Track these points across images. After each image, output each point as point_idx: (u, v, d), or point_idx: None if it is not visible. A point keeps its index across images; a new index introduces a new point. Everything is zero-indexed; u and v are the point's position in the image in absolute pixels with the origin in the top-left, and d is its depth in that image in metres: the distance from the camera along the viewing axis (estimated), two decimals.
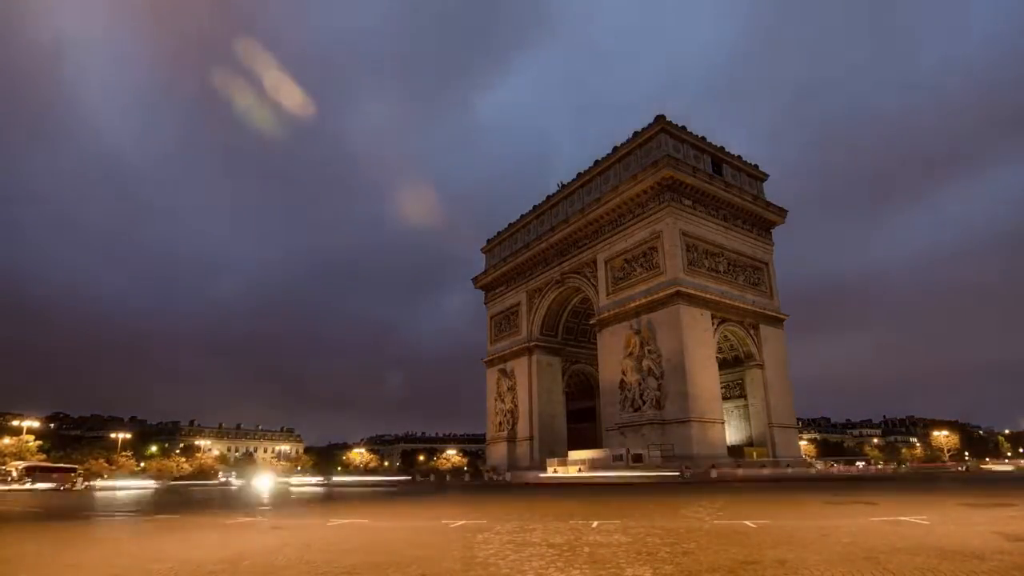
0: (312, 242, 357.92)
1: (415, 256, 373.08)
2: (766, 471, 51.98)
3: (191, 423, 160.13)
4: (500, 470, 73.27)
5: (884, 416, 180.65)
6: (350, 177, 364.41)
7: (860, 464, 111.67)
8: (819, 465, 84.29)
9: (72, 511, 22.21)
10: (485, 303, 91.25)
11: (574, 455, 61.50)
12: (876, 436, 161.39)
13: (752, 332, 61.52)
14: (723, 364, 60.98)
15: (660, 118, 61.79)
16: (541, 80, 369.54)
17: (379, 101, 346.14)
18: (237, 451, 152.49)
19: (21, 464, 60.55)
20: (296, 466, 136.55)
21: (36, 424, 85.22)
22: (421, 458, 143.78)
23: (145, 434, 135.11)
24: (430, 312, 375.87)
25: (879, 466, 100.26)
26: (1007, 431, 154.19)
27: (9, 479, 54.15)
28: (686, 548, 8.80)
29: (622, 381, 58.95)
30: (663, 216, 58.85)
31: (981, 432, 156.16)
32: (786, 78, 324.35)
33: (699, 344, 55.52)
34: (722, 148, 65.99)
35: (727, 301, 59.32)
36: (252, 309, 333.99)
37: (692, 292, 56.23)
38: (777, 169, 78.70)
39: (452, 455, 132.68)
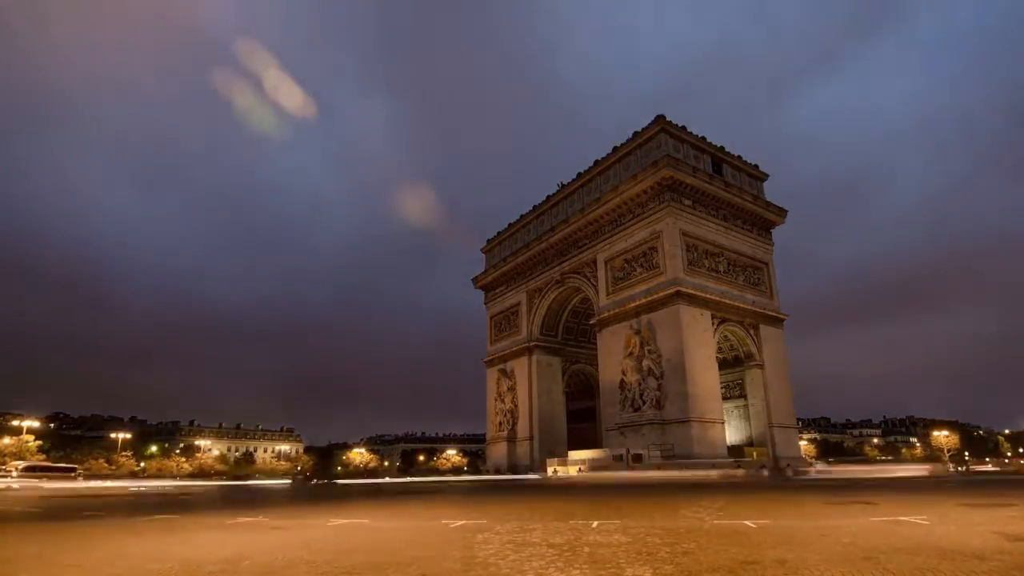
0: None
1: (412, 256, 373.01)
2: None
3: (191, 423, 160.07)
4: (501, 470, 73.33)
5: (884, 416, 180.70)
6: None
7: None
8: (820, 465, 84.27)
9: (72, 511, 22.20)
10: (485, 303, 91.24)
11: (574, 455, 61.53)
12: (876, 436, 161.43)
13: (752, 332, 61.53)
14: (723, 364, 61.01)
15: (660, 118, 61.82)
16: None
17: None
18: (237, 451, 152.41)
19: (21, 464, 60.63)
20: (296, 466, 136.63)
21: (36, 424, 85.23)
22: (421, 458, 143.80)
23: (145, 434, 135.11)
24: (430, 311, 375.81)
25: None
26: (1007, 431, 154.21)
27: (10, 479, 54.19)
28: (686, 548, 8.80)
29: (622, 381, 58.95)
30: (663, 216, 58.85)
31: (981, 432, 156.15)
32: None
33: (699, 344, 55.53)
34: (722, 148, 66.01)
35: (727, 301, 59.33)
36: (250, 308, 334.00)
37: (692, 292, 56.25)
38: None
39: (452, 455, 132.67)
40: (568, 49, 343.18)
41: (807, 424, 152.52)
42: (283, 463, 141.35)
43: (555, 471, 60.44)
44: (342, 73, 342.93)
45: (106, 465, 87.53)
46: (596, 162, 69.96)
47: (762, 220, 67.04)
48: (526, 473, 66.34)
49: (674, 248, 57.47)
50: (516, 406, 78.28)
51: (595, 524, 12.52)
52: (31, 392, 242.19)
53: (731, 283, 61.42)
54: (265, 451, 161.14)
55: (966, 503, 16.94)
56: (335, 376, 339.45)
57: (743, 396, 62.64)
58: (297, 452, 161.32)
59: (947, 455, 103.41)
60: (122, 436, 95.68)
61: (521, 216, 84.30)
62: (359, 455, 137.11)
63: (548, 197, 78.75)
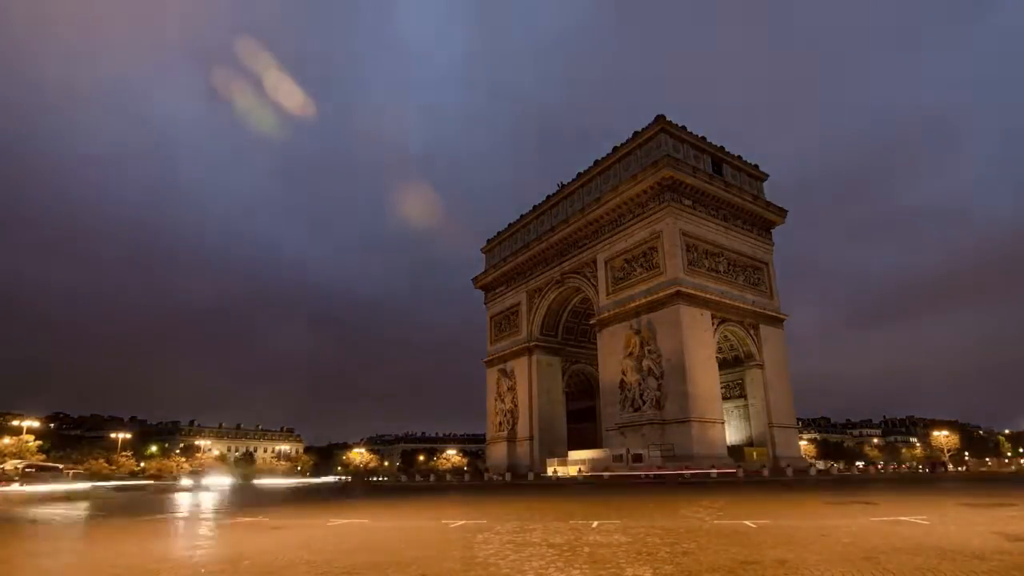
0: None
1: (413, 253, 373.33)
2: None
3: (191, 423, 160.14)
4: (500, 470, 73.33)
5: (884, 416, 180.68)
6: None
7: (859, 464, 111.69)
8: (820, 465, 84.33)
9: (72, 511, 22.20)
10: (485, 303, 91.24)
11: (574, 455, 61.54)
12: (876, 436, 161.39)
13: (752, 332, 61.54)
14: (723, 364, 61.01)
15: (660, 118, 61.82)
16: None
17: None
18: (237, 451, 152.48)
19: (21, 464, 60.69)
20: (296, 466, 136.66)
21: (36, 424, 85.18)
22: (421, 458, 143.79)
23: (145, 434, 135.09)
24: (431, 310, 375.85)
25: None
26: (1007, 431, 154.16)
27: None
28: (686, 548, 8.80)
29: (622, 381, 58.95)
30: (663, 216, 58.86)
31: (981, 432, 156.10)
32: None
33: (699, 344, 55.54)
34: (722, 148, 66.01)
35: (727, 301, 59.33)
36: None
37: (692, 292, 56.25)
38: None
39: (452, 455, 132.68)
40: None
41: (807, 424, 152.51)
42: (283, 463, 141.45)
43: (555, 471, 60.45)
44: None
45: (106, 465, 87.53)
46: (596, 162, 69.97)
47: (762, 220, 67.05)
48: (526, 473, 66.31)
49: (674, 248, 57.47)
50: (516, 406, 78.28)
51: (595, 524, 12.52)
52: (31, 392, 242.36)
53: (731, 283, 61.42)
54: (265, 451, 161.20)
55: (966, 503, 16.94)
56: (334, 376, 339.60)
57: (743, 396, 62.63)
58: (297, 452, 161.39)
59: (947, 455, 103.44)
60: (122, 436, 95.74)
61: (521, 216, 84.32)
62: (359, 455, 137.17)
63: (548, 197, 78.77)
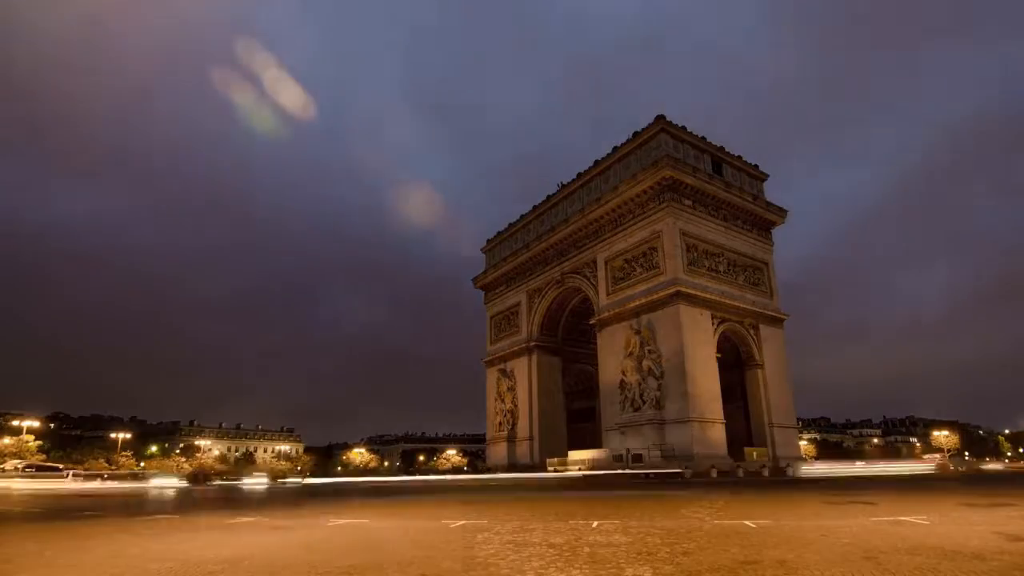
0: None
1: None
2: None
3: (191, 423, 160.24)
4: (500, 470, 73.30)
5: (884, 416, 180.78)
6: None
7: (859, 464, 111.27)
8: (820, 465, 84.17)
9: (72, 511, 22.20)
10: (485, 303, 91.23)
11: (574, 455, 61.51)
12: (876, 436, 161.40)
13: (752, 332, 61.53)
14: (723, 364, 60.93)
15: (660, 118, 61.82)
16: None
17: None
18: (237, 451, 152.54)
19: (21, 464, 60.72)
20: (296, 466, 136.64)
21: (36, 424, 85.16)
22: (421, 458, 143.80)
23: (145, 434, 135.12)
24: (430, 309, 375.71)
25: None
26: (1007, 431, 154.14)
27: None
28: (686, 548, 8.80)
29: (622, 381, 58.95)
30: (663, 216, 58.85)
31: (981, 432, 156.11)
32: None
33: (699, 344, 55.53)
34: (722, 148, 66.00)
35: (727, 301, 59.32)
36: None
37: (692, 292, 56.24)
38: None
39: (452, 455, 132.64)
40: None
41: (807, 424, 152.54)
42: (283, 463, 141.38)
43: (555, 471, 60.41)
44: None
45: (106, 465, 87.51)
46: (596, 162, 69.96)
47: (762, 220, 67.04)
48: (528, 472, 66.25)
49: (674, 248, 57.46)
50: (516, 406, 78.28)
51: (595, 524, 12.52)
52: (31, 392, 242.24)
53: (731, 283, 61.41)
54: (265, 451, 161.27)
55: (966, 503, 16.93)
56: (336, 374, 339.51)
57: (743, 396, 62.59)
58: (297, 452, 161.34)
59: (947, 454, 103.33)
60: (122, 436, 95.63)
61: (521, 216, 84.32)
62: (359, 455, 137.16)
63: (548, 197, 78.75)
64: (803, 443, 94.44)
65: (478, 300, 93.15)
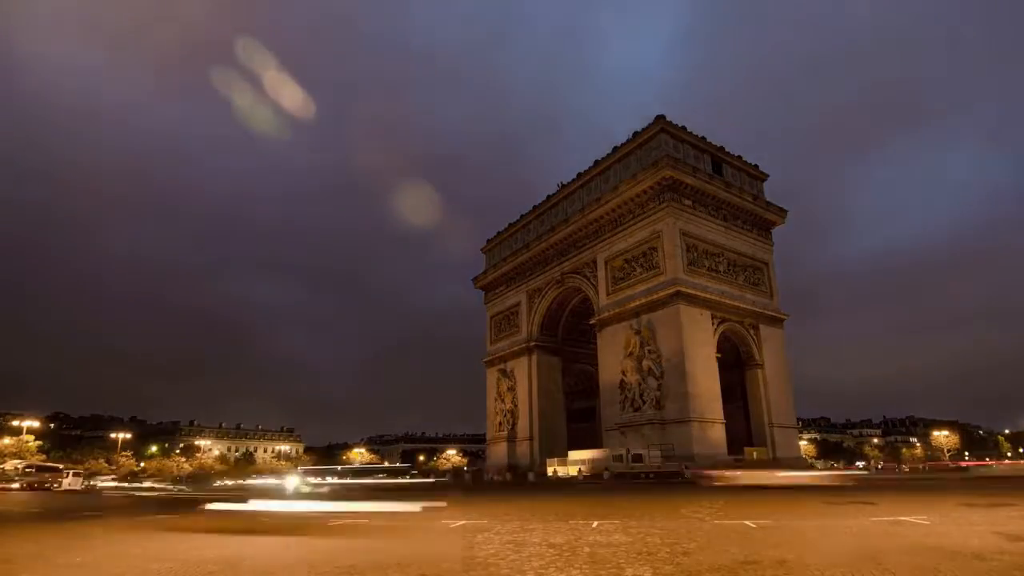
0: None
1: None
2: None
3: (191, 423, 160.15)
4: (500, 470, 73.36)
5: (884, 416, 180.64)
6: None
7: (860, 464, 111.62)
8: (820, 465, 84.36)
9: (73, 511, 22.21)
10: (485, 303, 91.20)
11: (574, 455, 61.55)
12: (876, 436, 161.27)
13: (752, 332, 61.51)
14: (723, 364, 60.90)
15: (660, 118, 61.80)
16: None
17: None
18: (237, 451, 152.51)
19: (21, 464, 60.74)
20: (296, 466, 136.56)
21: (36, 424, 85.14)
22: (421, 458, 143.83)
23: (145, 434, 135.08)
24: (430, 309, 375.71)
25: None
26: (1007, 431, 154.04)
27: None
28: (686, 548, 8.81)
29: (622, 381, 58.94)
30: (663, 216, 58.84)
31: (981, 432, 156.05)
32: None
33: (699, 344, 55.52)
34: (722, 148, 65.97)
35: (727, 301, 59.30)
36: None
37: (692, 292, 56.23)
38: None
39: (452, 455, 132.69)
40: None
41: (807, 424, 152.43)
42: (283, 463, 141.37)
43: (555, 471, 60.45)
44: None
45: (106, 465, 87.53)
46: (596, 162, 69.94)
47: (762, 220, 67.02)
48: (526, 473, 66.30)
49: (674, 248, 57.45)
50: (516, 406, 78.27)
51: (595, 524, 12.53)
52: (31, 392, 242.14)
53: (731, 283, 61.40)
54: (265, 451, 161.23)
55: (966, 503, 16.94)
56: (336, 373, 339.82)
57: (743, 396, 62.55)
58: (297, 452, 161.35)
59: (947, 455, 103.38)
60: (122, 436, 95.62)
61: (521, 216, 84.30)
62: (359, 455, 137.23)
63: (548, 197, 78.73)
64: (803, 443, 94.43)
65: (478, 300, 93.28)
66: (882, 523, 11.95)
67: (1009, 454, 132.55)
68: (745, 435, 61.78)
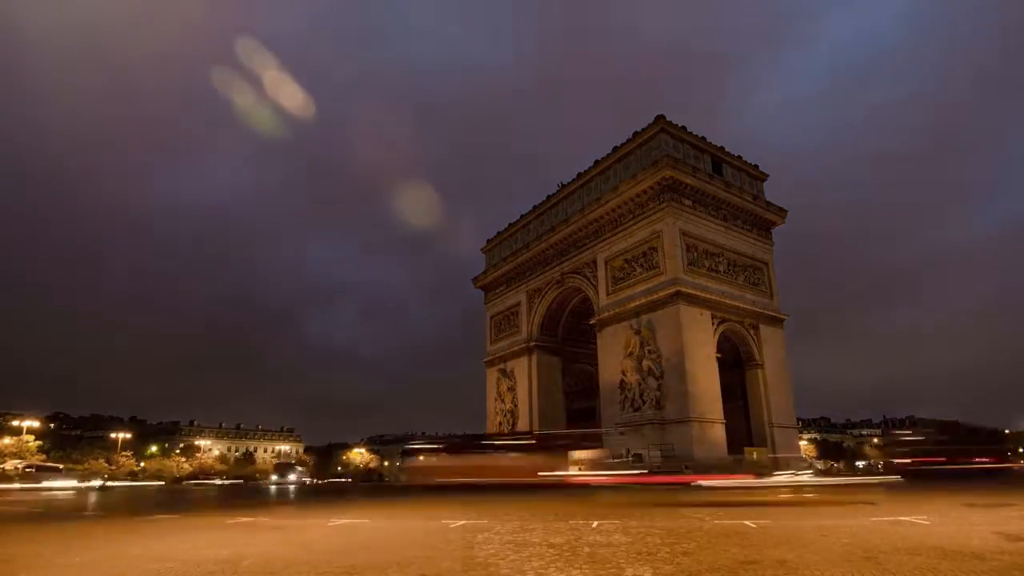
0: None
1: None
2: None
3: (191, 423, 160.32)
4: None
5: (884, 416, 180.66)
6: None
7: (860, 465, 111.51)
8: (819, 465, 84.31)
9: (73, 511, 22.22)
10: (485, 303, 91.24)
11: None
12: (876, 436, 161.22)
13: (752, 332, 61.52)
14: (723, 364, 60.90)
15: (660, 118, 61.81)
16: None
17: None
18: (237, 451, 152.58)
19: (21, 464, 60.73)
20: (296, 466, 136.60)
21: (36, 424, 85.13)
22: (421, 458, 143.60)
23: (145, 434, 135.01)
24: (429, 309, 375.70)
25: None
26: (1007, 431, 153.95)
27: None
28: (686, 548, 8.81)
29: (622, 381, 58.96)
30: (663, 216, 58.85)
31: None
32: None
33: (699, 344, 55.53)
34: (722, 148, 65.99)
35: (727, 301, 59.31)
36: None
37: (692, 292, 56.25)
38: None
39: None
40: None
41: (807, 424, 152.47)
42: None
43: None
44: None
45: (106, 465, 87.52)
46: (596, 162, 69.95)
47: (762, 220, 67.01)
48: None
49: (674, 248, 57.44)
50: (516, 406, 78.27)
51: (595, 524, 12.53)
52: (31, 392, 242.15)
53: (731, 283, 61.40)
54: (265, 451, 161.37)
55: (966, 503, 16.94)
56: (335, 372, 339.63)
57: (743, 396, 62.54)
58: (297, 452, 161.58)
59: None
60: (122, 436, 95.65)
61: (521, 216, 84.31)
62: (359, 455, 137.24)
63: (548, 197, 78.74)
64: (803, 443, 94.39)
65: (478, 299, 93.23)
66: (882, 523, 11.96)
67: (1009, 454, 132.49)
68: (745, 435, 61.81)
